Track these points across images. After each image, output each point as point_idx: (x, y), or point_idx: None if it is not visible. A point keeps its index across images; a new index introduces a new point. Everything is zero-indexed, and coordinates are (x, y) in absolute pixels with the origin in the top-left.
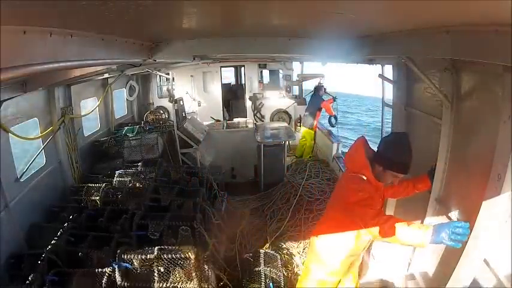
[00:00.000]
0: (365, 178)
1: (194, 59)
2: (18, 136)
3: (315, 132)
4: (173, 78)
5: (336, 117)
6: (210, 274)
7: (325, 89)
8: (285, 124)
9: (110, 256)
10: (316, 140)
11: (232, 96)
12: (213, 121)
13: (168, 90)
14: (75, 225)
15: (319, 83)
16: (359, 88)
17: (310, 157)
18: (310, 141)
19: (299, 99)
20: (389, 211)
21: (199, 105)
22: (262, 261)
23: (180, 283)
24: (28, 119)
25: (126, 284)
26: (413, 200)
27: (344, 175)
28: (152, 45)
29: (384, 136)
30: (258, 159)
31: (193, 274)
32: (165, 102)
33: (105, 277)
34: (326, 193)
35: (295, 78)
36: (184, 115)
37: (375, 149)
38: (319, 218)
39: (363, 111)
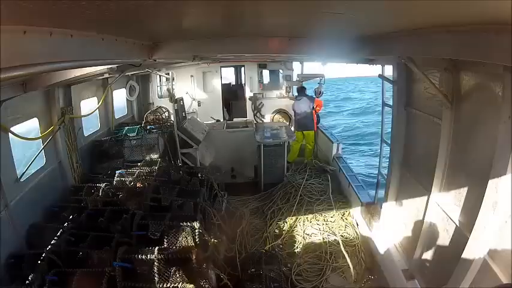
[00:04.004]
0: None
1: (194, 59)
2: (18, 136)
3: (315, 133)
4: (173, 78)
5: (318, 115)
6: (210, 274)
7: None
8: (285, 124)
9: (110, 256)
10: (316, 141)
11: (232, 96)
12: (213, 121)
13: (168, 90)
14: (75, 225)
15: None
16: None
17: (311, 159)
18: (312, 143)
19: None
20: (389, 211)
21: (199, 105)
22: (262, 261)
23: (180, 283)
24: (28, 119)
25: (126, 284)
26: (414, 200)
27: None
28: (152, 45)
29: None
30: (258, 159)
31: (194, 274)
32: (165, 102)
33: (105, 277)
34: (326, 193)
35: (295, 78)
36: (184, 115)
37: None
38: (319, 218)
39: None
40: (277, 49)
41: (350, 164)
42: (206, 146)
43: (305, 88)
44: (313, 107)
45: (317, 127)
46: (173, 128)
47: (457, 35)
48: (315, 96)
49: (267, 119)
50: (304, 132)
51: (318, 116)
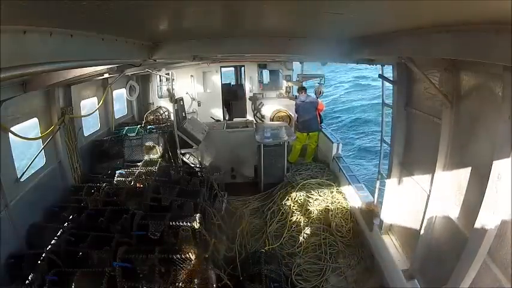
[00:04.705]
0: None
1: (194, 59)
2: (18, 136)
3: (318, 134)
4: (173, 78)
5: (321, 116)
6: (210, 274)
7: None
8: (285, 124)
9: (110, 256)
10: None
11: (232, 96)
12: (213, 121)
13: (168, 90)
14: (75, 225)
15: (301, 85)
16: None
17: (312, 159)
18: (315, 142)
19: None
20: (389, 210)
21: (199, 105)
22: (262, 261)
23: (180, 283)
24: (28, 119)
25: (126, 284)
26: (414, 200)
27: None
28: (152, 45)
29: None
30: (258, 159)
31: (194, 274)
32: (165, 102)
33: (105, 277)
34: (326, 193)
35: (295, 78)
36: (184, 115)
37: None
38: (320, 217)
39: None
40: (277, 49)
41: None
42: (206, 146)
43: (305, 88)
44: (316, 108)
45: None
46: (173, 128)
47: (457, 35)
48: (315, 96)
49: (267, 119)
50: (309, 133)
51: (321, 116)
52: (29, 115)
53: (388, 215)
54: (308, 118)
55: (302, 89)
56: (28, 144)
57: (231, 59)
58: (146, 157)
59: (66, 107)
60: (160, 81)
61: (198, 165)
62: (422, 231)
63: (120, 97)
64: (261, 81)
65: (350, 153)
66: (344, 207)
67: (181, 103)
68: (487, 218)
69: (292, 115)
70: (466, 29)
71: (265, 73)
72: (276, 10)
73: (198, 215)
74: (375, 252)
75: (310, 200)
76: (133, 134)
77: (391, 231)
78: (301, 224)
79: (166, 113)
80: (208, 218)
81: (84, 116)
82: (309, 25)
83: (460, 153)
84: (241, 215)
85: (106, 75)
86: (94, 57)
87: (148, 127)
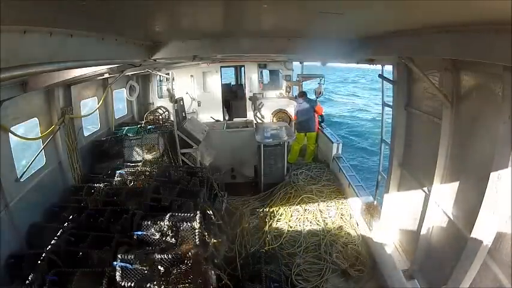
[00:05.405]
0: None
1: (194, 59)
2: (18, 136)
3: (317, 134)
4: (173, 78)
5: (322, 116)
6: (210, 274)
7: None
8: (285, 124)
9: (110, 256)
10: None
11: (232, 96)
12: (213, 121)
13: (168, 90)
14: (75, 225)
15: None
16: None
17: (312, 159)
18: (313, 144)
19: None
20: (389, 211)
21: (199, 105)
22: (262, 261)
23: (180, 283)
24: (28, 119)
25: (126, 284)
26: (414, 200)
27: None
28: (152, 45)
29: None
30: (258, 159)
31: (194, 274)
32: (165, 102)
33: (105, 277)
34: (325, 193)
35: (295, 78)
36: (184, 115)
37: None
38: (319, 218)
39: None
40: (277, 49)
41: None
42: (206, 146)
43: (306, 93)
44: (314, 109)
45: (318, 128)
46: (173, 128)
47: (457, 35)
48: (315, 97)
49: (267, 119)
50: (307, 134)
51: (322, 117)
52: (29, 115)
53: (388, 215)
54: (305, 118)
55: (302, 94)
56: (28, 144)
57: (231, 59)
58: (146, 157)
59: (66, 107)
60: (160, 81)
61: (198, 165)
62: (422, 231)
63: (120, 97)
64: (261, 81)
65: None
66: (344, 207)
67: (181, 103)
68: (487, 218)
69: (292, 115)
70: (466, 29)
71: (265, 73)
72: (276, 10)
73: (198, 215)
74: (375, 252)
75: (310, 200)
76: (133, 134)
77: (391, 231)
78: (301, 224)
79: (166, 113)
80: (208, 217)
81: (84, 116)
82: (309, 25)
83: (460, 153)
84: (241, 215)
85: (106, 75)
86: (94, 57)
87: (148, 127)
